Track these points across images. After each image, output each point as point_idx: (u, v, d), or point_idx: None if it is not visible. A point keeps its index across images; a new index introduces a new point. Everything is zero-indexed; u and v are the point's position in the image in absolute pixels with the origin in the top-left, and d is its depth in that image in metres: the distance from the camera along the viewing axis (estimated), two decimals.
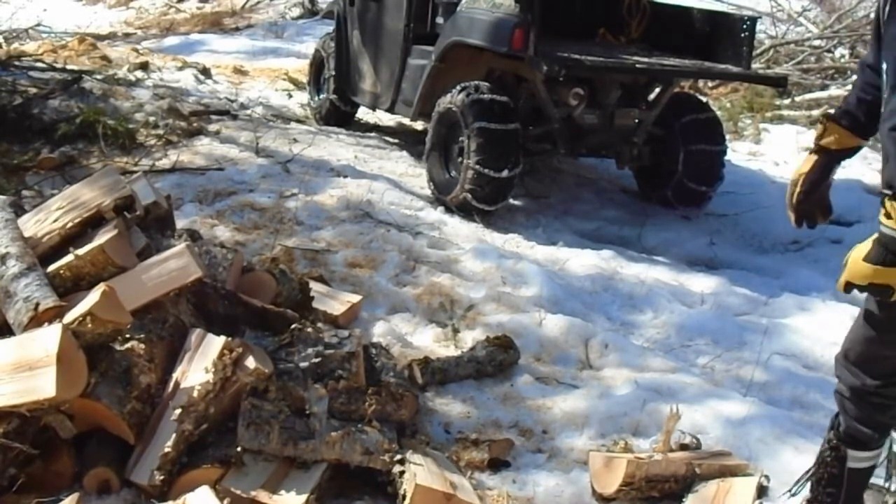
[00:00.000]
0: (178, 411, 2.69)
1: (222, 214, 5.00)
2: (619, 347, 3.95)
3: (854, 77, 9.66)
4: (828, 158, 2.81)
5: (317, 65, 7.70)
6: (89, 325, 2.64)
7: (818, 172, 2.80)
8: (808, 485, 2.85)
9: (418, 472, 2.70)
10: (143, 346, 2.82)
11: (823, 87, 9.33)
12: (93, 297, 2.69)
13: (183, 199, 5.16)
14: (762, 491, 2.99)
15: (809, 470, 2.85)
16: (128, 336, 2.83)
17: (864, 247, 2.39)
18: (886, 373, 2.60)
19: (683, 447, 3.13)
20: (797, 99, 8.97)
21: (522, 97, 5.65)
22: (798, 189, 2.80)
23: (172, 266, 3.05)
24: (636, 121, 5.84)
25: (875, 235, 2.40)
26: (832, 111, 2.87)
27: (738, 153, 7.36)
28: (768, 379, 3.83)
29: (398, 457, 2.78)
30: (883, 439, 2.77)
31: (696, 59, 5.92)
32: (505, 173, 5.30)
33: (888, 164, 2.40)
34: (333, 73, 7.23)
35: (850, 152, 2.84)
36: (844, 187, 6.47)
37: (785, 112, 8.64)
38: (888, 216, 2.36)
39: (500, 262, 4.69)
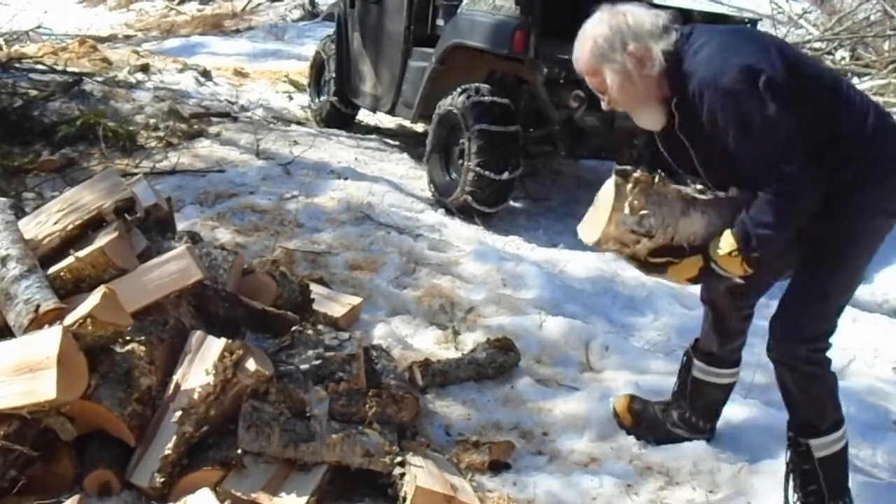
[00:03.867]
0: (178, 413, 2.69)
1: (223, 216, 5.00)
2: (619, 349, 3.95)
3: (854, 80, 9.68)
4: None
5: (317, 67, 7.71)
6: (90, 328, 2.64)
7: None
8: (793, 494, 2.86)
9: (419, 474, 2.70)
10: (143, 348, 2.82)
11: None
12: (93, 299, 2.69)
13: (183, 201, 5.16)
14: None
15: (787, 482, 2.86)
16: (128, 338, 2.83)
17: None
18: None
19: None
20: None
21: (523, 99, 5.64)
22: None
23: (173, 268, 3.05)
24: None
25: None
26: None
27: None
28: (768, 381, 3.79)
29: (399, 459, 2.78)
30: (838, 416, 2.82)
31: None
32: (505, 175, 5.31)
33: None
34: (334, 75, 7.24)
35: None
36: None
37: None
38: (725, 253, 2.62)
39: (501, 264, 4.69)
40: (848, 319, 4.46)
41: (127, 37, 12.87)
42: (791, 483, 2.86)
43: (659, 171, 2.72)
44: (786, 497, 2.87)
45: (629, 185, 2.64)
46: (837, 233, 2.69)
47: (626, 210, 2.62)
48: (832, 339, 2.81)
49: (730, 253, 2.61)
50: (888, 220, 2.76)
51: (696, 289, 4.74)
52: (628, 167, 2.70)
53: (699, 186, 2.81)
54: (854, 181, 2.63)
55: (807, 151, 2.54)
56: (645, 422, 3.32)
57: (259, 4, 15.11)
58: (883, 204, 2.70)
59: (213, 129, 6.74)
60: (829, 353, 2.81)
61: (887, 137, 2.71)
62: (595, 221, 2.69)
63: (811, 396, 2.79)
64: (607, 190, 2.67)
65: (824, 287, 2.75)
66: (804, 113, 2.56)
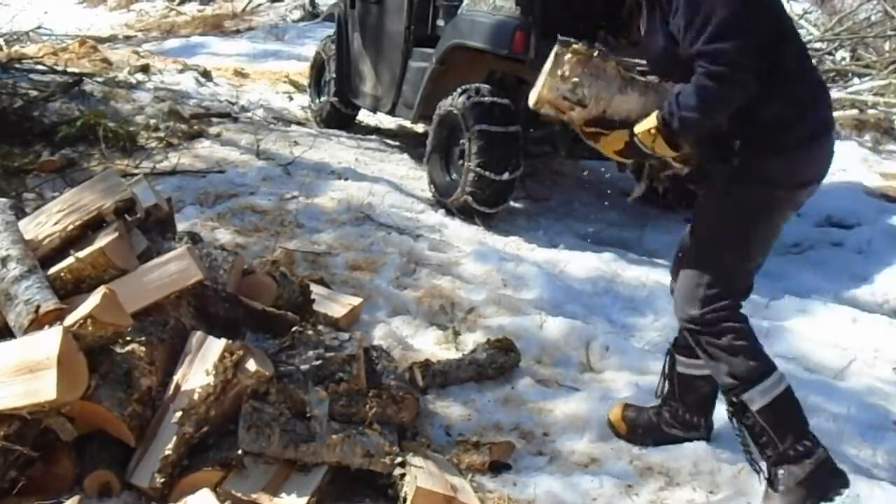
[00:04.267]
0: (178, 414, 2.69)
1: (223, 217, 5.00)
2: (619, 350, 3.95)
3: (855, 80, 9.67)
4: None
5: (317, 67, 7.71)
6: (90, 328, 2.64)
7: None
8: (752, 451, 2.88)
9: (419, 475, 2.70)
10: (143, 348, 2.82)
11: None
12: (93, 299, 2.69)
13: (184, 202, 5.16)
14: None
15: (742, 443, 2.89)
16: (128, 338, 2.83)
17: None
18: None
19: None
20: None
21: (523, 100, 5.64)
22: None
23: (173, 269, 3.05)
24: None
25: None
26: None
27: None
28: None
29: (399, 459, 2.78)
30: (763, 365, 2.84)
31: None
32: (505, 176, 5.30)
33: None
34: (334, 75, 7.24)
35: None
36: (845, 190, 6.47)
37: None
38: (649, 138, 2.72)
39: (501, 264, 4.69)
40: (848, 320, 4.48)
41: (127, 37, 12.88)
42: (744, 442, 2.87)
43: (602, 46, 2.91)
44: (748, 458, 2.89)
45: (568, 55, 2.77)
46: (737, 201, 2.78)
47: (560, 77, 2.77)
48: (749, 297, 2.92)
49: (649, 130, 2.72)
50: (791, 192, 2.81)
51: None
52: (572, 39, 2.84)
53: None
54: (773, 136, 2.71)
55: (753, 45, 2.57)
56: (640, 428, 3.32)
57: (259, 5, 15.11)
58: (795, 178, 2.78)
59: (213, 130, 6.73)
60: (743, 310, 2.86)
61: (825, 98, 2.82)
62: (536, 85, 2.86)
63: (728, 351, 2.80)
64: (549, 57, 2.82)
65: (719, 253, 2.83)
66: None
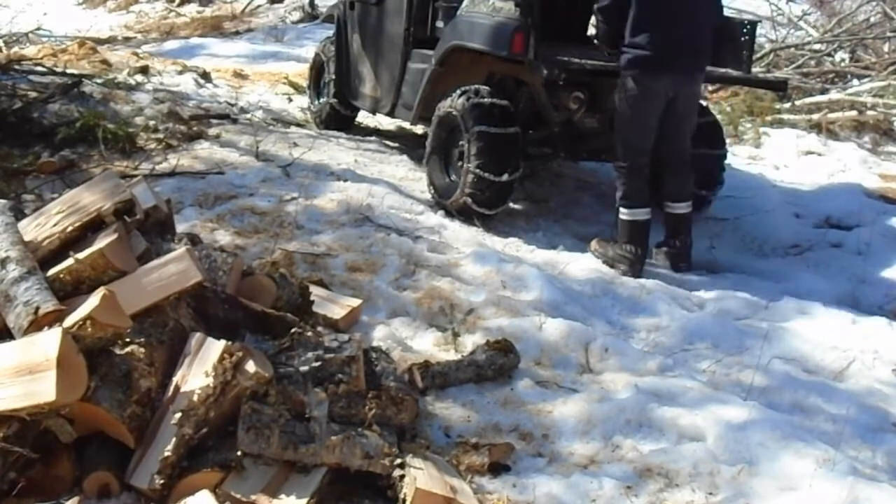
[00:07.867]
0: (178, 415, 2.69)
1: (222, 218, 4.99)
2: (619, 351, 3.95)
3: (854, 81, 9.70)
4: None
5: (317, 69, 7.71)
6: (89, 329, 2.64)
7: None
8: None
9: (418, 476, 2.70)
10: (143, 350, 2.82)
11: (823, 91, 9.33)
12: (93, 300, 2.69)
13: (183, 203, 5.15)
14: None
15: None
16: (128, 340, 2.83)
17: None
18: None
19: None
20: (797, 103, 8.96)
21: (522, 101, 5.64)
22: None
23: (172, 270, 3.05)
24: None
25: None
26: None
27: (738, 157, 7.36)
28: (769, 383, 3.83)
29: (398, 461, 2.78)
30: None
31: None
32: (505, 177, 5.30)
33: None
34: (333, 77, 7.23)
35: None
36: (845, 191, 6.48)
37: (785, 116, 8.64)
38: None
39: (500, 266, 4.69)
40: (847, 321, 4.49)
41: (126, 38, 12.88)
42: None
43: None
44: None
45: None
46: None
47: None
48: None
49: None
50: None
51: (694, 290, 4.78)
52: None
53: None
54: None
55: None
56: None
57: (259, 6, 15.11)
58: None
59: (212, 131, 6.73)
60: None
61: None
62: None
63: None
64: None
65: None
66: None
